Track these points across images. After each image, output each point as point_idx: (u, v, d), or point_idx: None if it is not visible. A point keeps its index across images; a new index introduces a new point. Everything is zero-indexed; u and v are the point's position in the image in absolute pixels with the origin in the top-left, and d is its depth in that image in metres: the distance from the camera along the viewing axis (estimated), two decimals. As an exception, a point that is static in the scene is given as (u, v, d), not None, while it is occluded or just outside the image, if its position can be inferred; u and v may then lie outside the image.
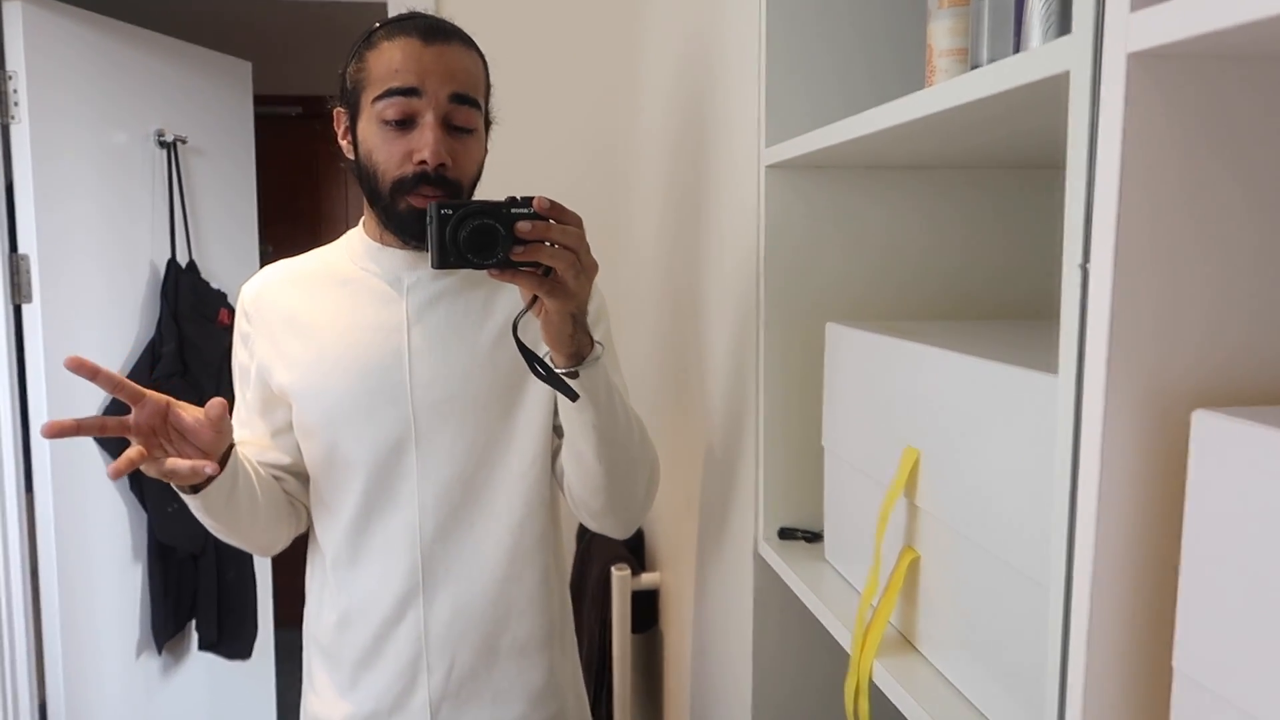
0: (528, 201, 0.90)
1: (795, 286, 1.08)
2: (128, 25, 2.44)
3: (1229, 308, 0.49)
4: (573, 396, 0.98)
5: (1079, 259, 0.51)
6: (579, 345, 0.97)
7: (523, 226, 0.89)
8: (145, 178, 2.50)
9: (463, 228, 0.89)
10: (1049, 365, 0.62)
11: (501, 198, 0.90)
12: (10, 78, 2.12)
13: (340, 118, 1.13)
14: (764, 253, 1.08)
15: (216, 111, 2.74)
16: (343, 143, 1.13)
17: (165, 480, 0.96)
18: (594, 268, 0.94)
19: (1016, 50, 0.69)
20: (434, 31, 1.07)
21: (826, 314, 1.08)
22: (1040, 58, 0.54)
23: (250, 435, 1.18)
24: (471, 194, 1.13)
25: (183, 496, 1.04)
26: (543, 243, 0.90)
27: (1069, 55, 0.52)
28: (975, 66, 0.75)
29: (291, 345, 1.14)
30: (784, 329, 1.08)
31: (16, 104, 2.13)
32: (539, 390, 1.15)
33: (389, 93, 1.04)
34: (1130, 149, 0.48)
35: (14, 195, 2.15)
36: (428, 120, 1.04)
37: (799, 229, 1.07)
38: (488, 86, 1.14)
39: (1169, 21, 0.44)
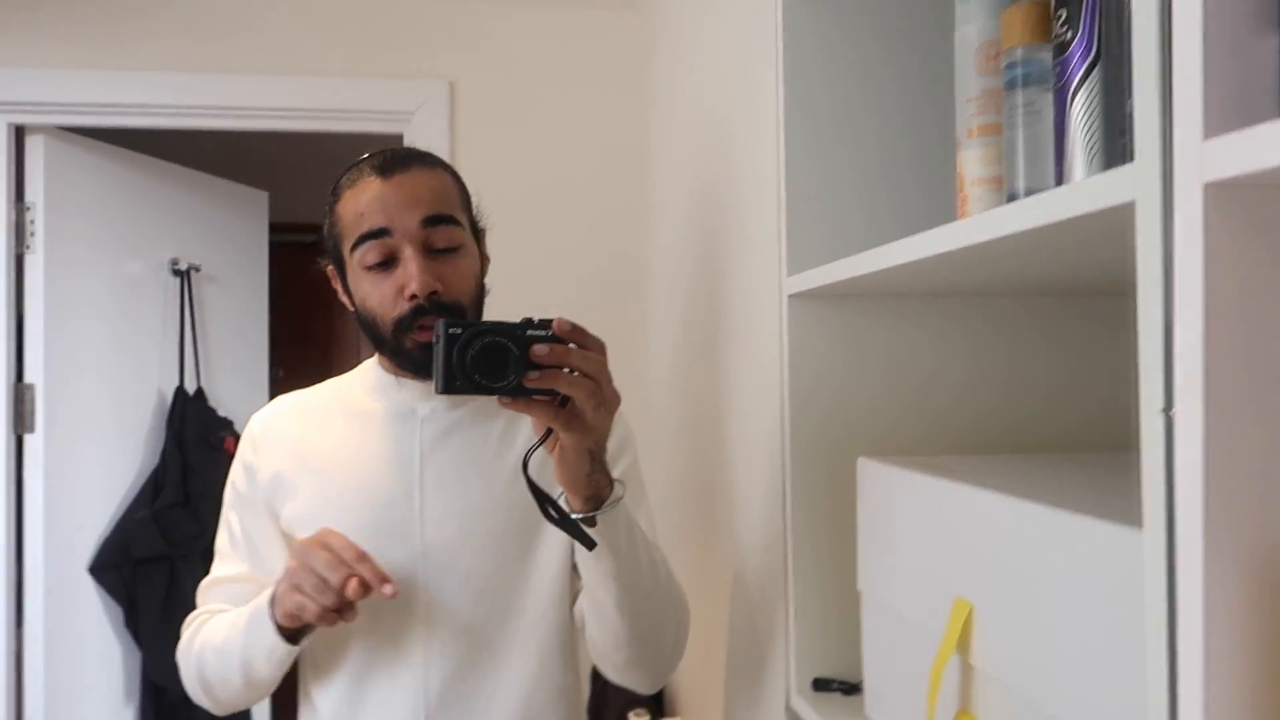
0: (546, 323, 0.83)
1: (823, 418, 1.03)
2: (147, 157, 2.49)
3: (1344, 460, 0.44)
4: (589, 545, 0.91)
5: (1159, 403, 0.47)
6: (597, 486, 0.90)
7: (539, 350, 0.82)
8: (157, 305, 2.51)
9: (471, 347, 0.82)
10: (1120, 512, 0.56)
11: (515, 319, 0.84)
12: (29, 209, 2.15)
13: (334, 276, 1.12)
14: (788, 382, 1.03)
15: (232, 240, 2.78)
16: (343, 299, 1.11)
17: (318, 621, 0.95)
18: (616, 400, 0.87)
19: (1059, 179, 0.66)
20: (389, 164, 1.05)
21: (857, 446, 1.02)
22: (1100, 186, 0.51)
23: (244, 570, 1.11)
24: (478, 312, 1.09)
25: (279, 642, 0.99)
26: (560, 369, 0.83)
27: (1134, 184, 0.48)
28: (1012, 196, 0.73)
29: (299, 477, 1.09)
30: (812, 462, 1.03)
31: (33, 234, 2.15)
32: (557, 530, 1.08)
33: (362, 239, 1.03)
34: (1214, 283, 0.44)
35: (24, 324, 2.15)
36: (407, 253, 1.02)
37: (824, 358, 1.03)
38: (465, 198, 1.11)
39: (1245, 152, 0.41)
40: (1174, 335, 0.45)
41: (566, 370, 0.83)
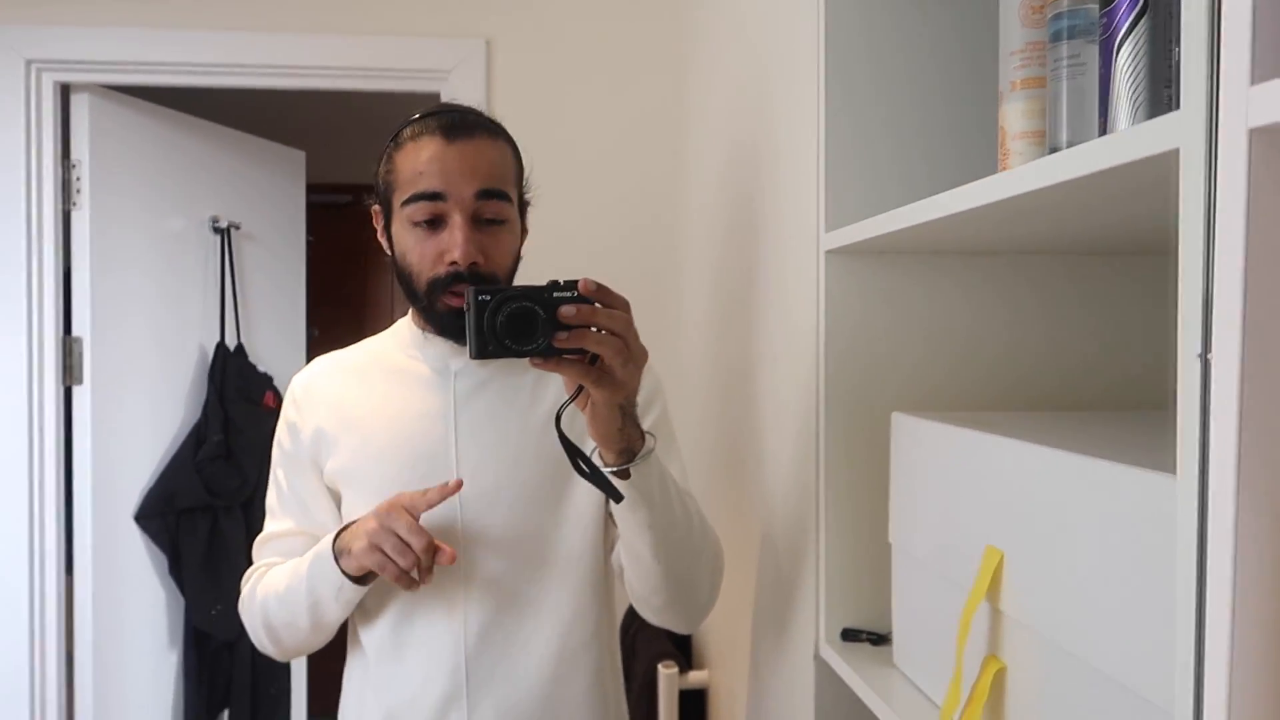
0: (571, 285, 0.86)
1: (858, 374, 1.04)
2: (188, 116, 2.52)
3: (1381, 403, 0.45)
4: (618, 498, 0.94)
5: (1198, 348, 0.47)
6: (629, 440, 0.93)
7: (566, 311, 0.85)
8: (198, 262, 2.55)
9: (500, 313, 0.84)
10: (1155, 462, 0.57)
11: (545, 281, 0.87)
12: (75, 165, 2.19)
13: (377, 216, 1.14)
14: (824, 339, 1.04)
15: (270, 198, 2.81)
16: (381, 240, 1.14)
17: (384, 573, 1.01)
18: (643, 355, 0.89)
19: (1102, 133, 0.66)
20: (456, 128, 1.06)
21: (892, 403, 1.03)
22: (1144, 135, 0.51)
23: (293, 525, 1.16)
24: (510, 282, 1.11)
25: (346, 582, 1.05)
26: (588, 328, 0.85)
27: (1178, 132, 0.48)
28: (1054, 149, 0.73)
29: (340, 434, 1.13)
30: (846, 418, 1.04)
31: (79, 191, 2.19)
32: None
33: (415, 197, 1.05)
34: (1255, 228, 0.44)
35: (71, 278, 2.19)
36: (456, 220, 1.04)
37: (861, 315, 1.04)
38: (519, 172, 1.13)
39: (1294, 95, 0.41)
40: (1214, 279, 0.46)
41: (594, 329, 0.86)
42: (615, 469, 0.93)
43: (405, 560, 0.97)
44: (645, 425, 0.99)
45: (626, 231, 2.14)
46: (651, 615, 1.10)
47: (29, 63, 2.06)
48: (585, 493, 1.11)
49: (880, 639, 1.02)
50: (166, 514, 2.39)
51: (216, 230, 2.59)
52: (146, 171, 2.39)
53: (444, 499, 1.00)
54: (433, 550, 0.99)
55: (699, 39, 1.90)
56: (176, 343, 2.49)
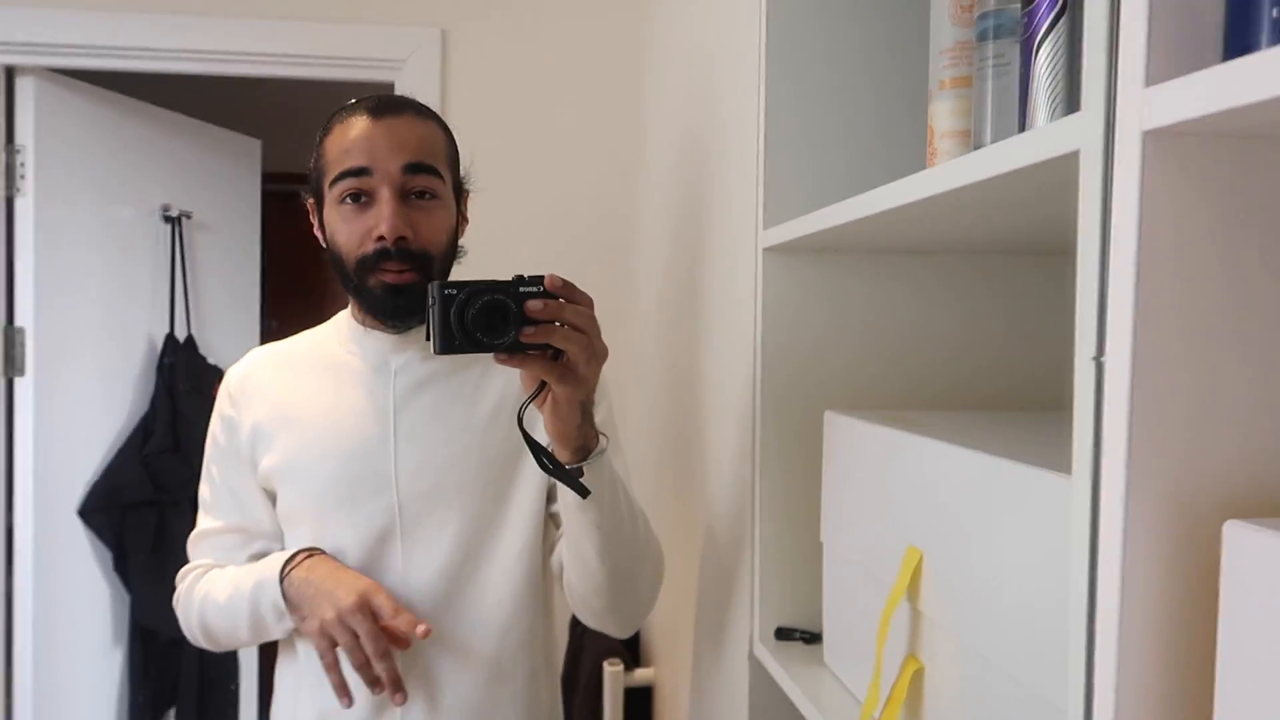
0: (537, 280, 0.85)
1: (794, 373, 1.03)
2: (139, 102, 2.47)
3: (1265, 407, 0.45)
4: (584, 493, 0.92)
5: (1093, 351, 0.47)
6: (585, 438, 0.92)
7: (533, 306, 0.83)
8: (148, 252, 2.51)
9: (470, 306, 0.83)
10: (1063, 463, 0.57)
11: (499, 278, 0.85)
12: (19, 151, 2.14)
13: (312, 210, 1.12)
14: (761, 337, 1.04)
15: (224, 187, 2.76)
16: (317, 234, 1.12)
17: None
18: (605, 352, 0.89)
19: (1022, 131, 0.66)
20: (383, 107, 1.05)
21: (827, 402, 1.03)
22: (1047, 136, 0.51)
23: (226, 522, 1.14)
24: (446, 266, 1.10)
25: (288, 616, 1.04)
26: (554, 324, 0.84)
27: (1079, 133, 0.48)
28: (978, 147, 0.73)
29: (276, 429, 1.11)
30: (782, 416, 1.04)
31: (23, 177, 2.14)
32: (531, 478, 1.10)
33: (342, 175, 1.03)
34: (1149, 232, 0.44)
35: (14, 268, 2.15)
36: (383, 194, 1.03)
37: (798, 313, 1.03)
38: (453, 154, 1.12)
39: (1187, 97, 0.41)
40: (1108, 281, 0.46)
41: (559, 325, 0.84)
42: (570, 466, 0.92)
43: (353, 659, 0.97)
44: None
45: (581, 227, 2.13)
46: (590, 618, 1.09)
47: (-30, 45, 2.01)
48: (526, 493, 1.10)
49: (813, 638, 1.02)
50: (111, 509, 2.34)
51: (167, 219, 2.54)
52: (94, 158, 2.34)
53: (409, 631, 0.97)
54: (393, 668, 0.98)
55: (655, 34, 1.90)
56: (124, 334, 2.44)
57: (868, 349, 1.04)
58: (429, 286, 0.85)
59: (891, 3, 1.04)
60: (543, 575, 1.14)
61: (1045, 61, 0.65)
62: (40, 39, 2.01)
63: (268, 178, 2.98)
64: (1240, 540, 0.41)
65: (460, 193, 1.13)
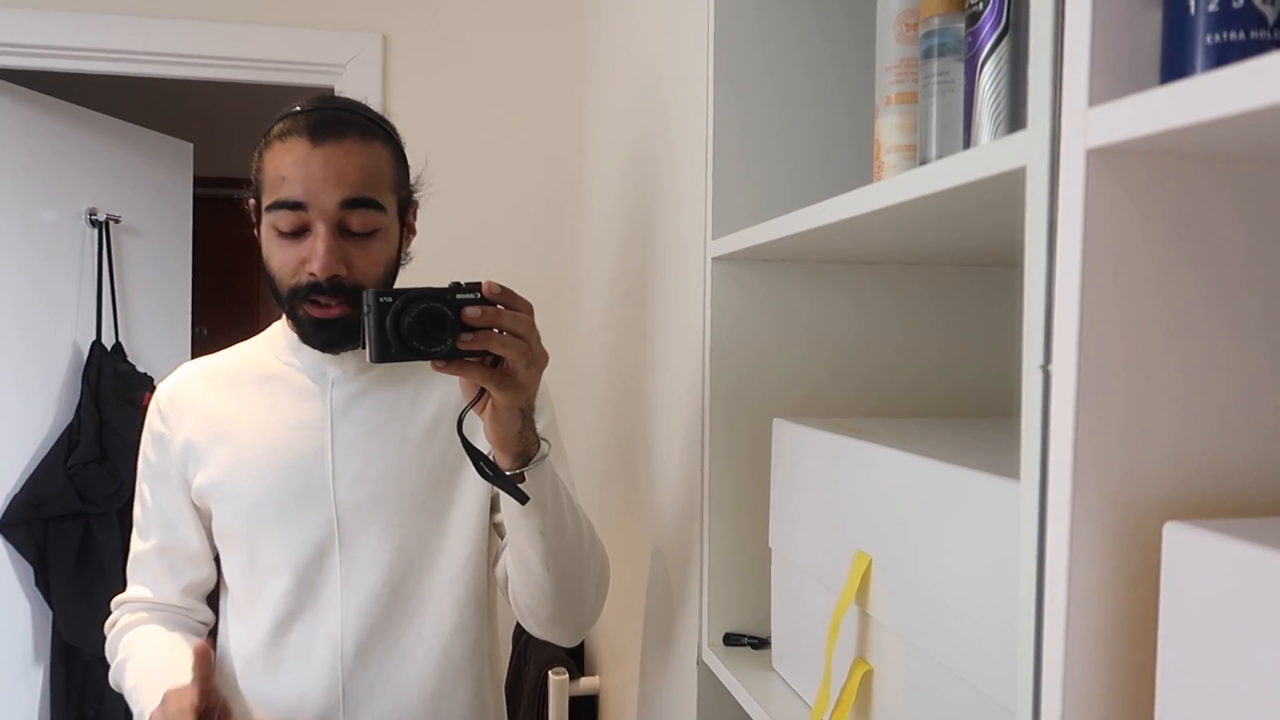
0: (475, 286, 0.84)
1: (743, 381, 1.05)
2: (64, 103, 2.39)
3: (1200, 414, 0.47)
4: (523, 499, 0.92)
5: (1039, 359, 0.49)
6: (525, 444, 0.91)
7: (471, 312, 0.83)
8: (74, 256, 2.43)
9: (406, 314, 0.82)
10: (1009, 469, 0.59)
11: (439, 283, 0.85)
12: (-66, 151, 2.05)
13: (253, 211, 1.08)
14: (709, 346, 1.05)
15: (154, 192, 2.69)
16: (257, 234, 1.08)
17: None
18: (545, 358, 0.88)
19: (968, 147, 0.68)
20: (324, 128, 0.99)
21: (776, 411, 1.05)
22: (995, 152, 0.53)
23: (158, 542, 1.11)
24: None
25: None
26: (492, 330, 0.84)
27: (1025, 150, 0.50)
28: (924, 162, 0.75)
29: (209, 445, 1.08)
30: (731, 424, 1.05)
31: (-61, 178, 2.06)
32: (472, 488, 1.09)
33: (277, 204, 0.99)
34: (1092, 246, 0.46)
35: (-71, 271, 2.06)
36: (319, 230, 0.99)
37: (746, 322, 1.05)
38: (400, 173, 1.08)
39: (1128, 118, 0.43)
40: (1054, 293, 0.48)
41: (497, 331, 0.84)
42: (511, 473, 0.91)
43: None
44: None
45: (522, 234, 2.12)
46: (536, 627, 1.08)
47: (-117, 39, 1.92)
48: (468, 503, 1.09)
49: (761, 643, 1.03)
50: (33, 522, 2.26)
51: (94, 223, 2.47)
52: (14, 160, 2.26)
53: (204, 672, 0.92)
54: None
55: (598, 43, 1.90)
56: (48, 341, 2.36)
57: (814, 357, 1.06)
58: (364, 294, 0.84)
59: (838, 19, 1.07)
60: (488, 585, 1.13)
61: (989, 80, 0.67)
62: (-42, 35, 1.94)
63: (200, 182, 2.91)
64: (1179, 540, 0.43)
65: (407, 206, 1.10)
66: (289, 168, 0.99)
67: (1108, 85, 0.46)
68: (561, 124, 2.13)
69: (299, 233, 1.00)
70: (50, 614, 2.33)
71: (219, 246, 3.72)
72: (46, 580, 2.31)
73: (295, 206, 0.99)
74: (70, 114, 2.41)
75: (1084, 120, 0.46)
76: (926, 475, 0.65)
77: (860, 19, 1.06)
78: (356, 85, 2.02)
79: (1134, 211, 0.46)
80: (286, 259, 1.01)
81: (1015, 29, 0.66)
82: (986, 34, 0.67)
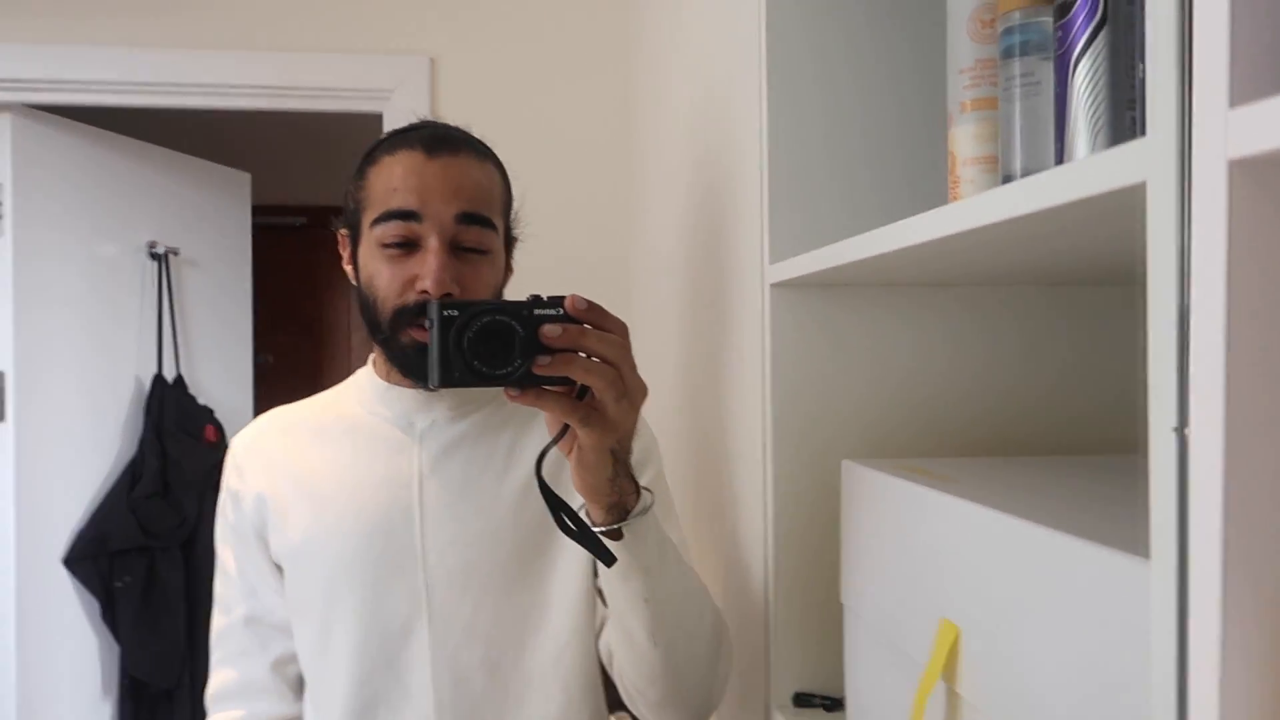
0: (557, 301, 0.71)
1: (808, 416, 0.96)
2: (122, 137, 2.41)
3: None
4: (609, 561, 0.78)
5: (1173, 420, 0.40)
6: (621, 493, 0.77)
7: (550, 331, 0.69)
8: (134, 290, 2.44)
9: (469, 329, 0.69)
10: (1122, 532, 0.50)
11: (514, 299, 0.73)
12: (-3, 190, 2.08)
13: (344, 241, 1.00)
14: (770, 377, 0.97)
15: (213, 222, 2.70)
16: (347, 268, 1.00)
17: None
18: (642, 391, 0.74)
19: (1059, 158, 0.60)
20: (439, 142, 0.93)
21: (845, 447, 0.96)
22: (1105, 165, 0.44)
23: (244, 613, 1.00)
24: None
25: None
26: (575, 354, 0.70)
27: (1144, 162, 0.41)
28: (1007, 176, 0.66)
29: (287, 503, 0.97)
30: (796, 464, 0.96)
31: (1, 216, 2.08)
32: (576, 549, 0.94)
33: (387, 215, 0.91)
34: (1239, 281, 0.37)
35: (-7, 309, 2.08)
36: (431, 244, 0.90)
37: (810, 352, 0.96)
38: (507, 201, 1.01)
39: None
40: (1190, 339, 0.39)
41: (583, 355, 0.71)
42: (605, 528, 0.78)
43: None
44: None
45: (575, 255, 2.06)
46: (648, 712, 0.92)
47: (-54, 83, 1.95)
48: (570, 568, 0.96)
49: (835, 704, 0.94)
50: (99, 556, 2.27)
51: (154, 256, 2.48)
52: (76, 195, 2.28)
53: None
54: None
55: (650, 55, 1.84)
56: (110, 375, 2.37)
57: (883, 388, 0.97)
58: (427, 306, 0.73)
59: (899, 21, 0.98)
60: (595, 662, 1.00)
61: (1084, 80, 0.58)
62: (17, 74, 1.96)
63: (258, 210, 2.92)
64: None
65: (509, 241, 1.02)
66: (400, 179, 0.91)
67: (1253, 82, 0.37)
68: (611, 142, 2.07)
69: (408, 246, 0.91)
70: (117, 648, 2.34)
71: (278, 273, 3.75)
72: (113, 614, 2.32)
73: (408, 216, 0.90)
74: (127, 148, 2.43)
75: (1223, 125, 0.37)
76: (1023, 540, 0.56)
77: (923, 22, 0.97)
78: (405, 110, 1.99)
79: (1291, 235, 0.37)
80: (394, 277, 0.91)
81: (1114, 20, 0.57)
82: (1080, 27, 0.59)
